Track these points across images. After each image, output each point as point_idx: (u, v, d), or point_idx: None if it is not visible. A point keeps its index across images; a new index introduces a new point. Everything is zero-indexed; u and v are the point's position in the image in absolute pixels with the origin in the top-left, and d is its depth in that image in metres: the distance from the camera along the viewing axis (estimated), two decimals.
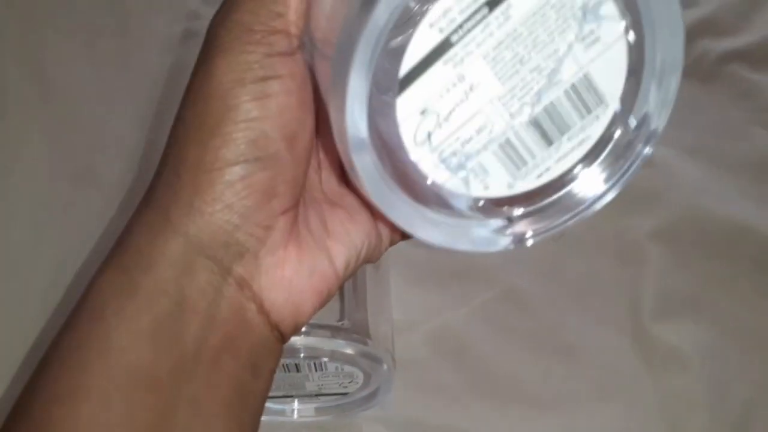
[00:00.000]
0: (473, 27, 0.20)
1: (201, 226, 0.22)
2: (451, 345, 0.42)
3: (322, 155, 0.28)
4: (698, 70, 0.52)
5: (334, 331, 0.36)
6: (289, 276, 0.24)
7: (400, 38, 0.20)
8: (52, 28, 0.51)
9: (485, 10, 0.20)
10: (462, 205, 0.23)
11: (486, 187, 0.22)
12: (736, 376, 0.41)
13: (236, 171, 0.22)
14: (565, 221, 0.23)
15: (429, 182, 0.22)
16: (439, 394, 0.41)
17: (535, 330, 0.43)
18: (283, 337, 0.25)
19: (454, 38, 0.20)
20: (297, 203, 0.25)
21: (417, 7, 0.19)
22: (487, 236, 0.23)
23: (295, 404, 0.39)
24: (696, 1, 0.54)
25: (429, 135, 0.21)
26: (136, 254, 0.23)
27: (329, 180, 0.27)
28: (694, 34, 0.53)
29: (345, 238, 0.26)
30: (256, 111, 0.22)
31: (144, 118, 0.48)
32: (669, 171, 0.48)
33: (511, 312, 0.43)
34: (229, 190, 0.22)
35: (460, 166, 0.22)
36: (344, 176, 0.25)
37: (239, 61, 0.22)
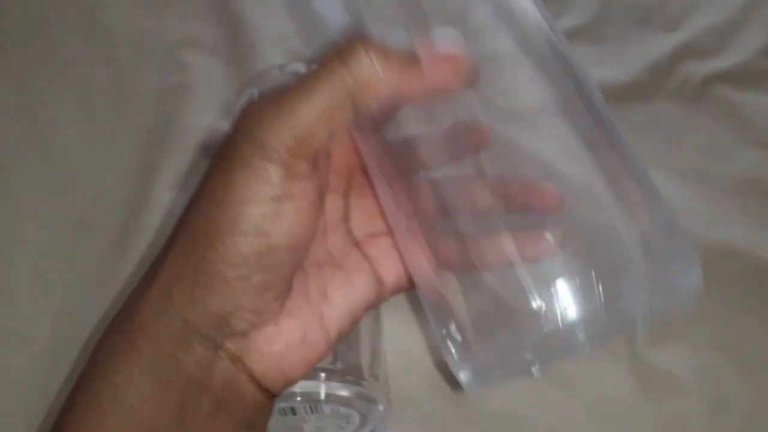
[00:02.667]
0: None
1: (198, 313, 0.24)
2: (448, 381, 0.42)
3: (329, 218, 0.28)
4: (683, 93, 0.52)
5: (328, 373, 0.36)
6: (279, 350, 0.26)
7: None
8: (47, 84, 0.52)
9: None
10: None
11: None
12: (733, 398, 0.41)
13: (237, 272, 0.24)
14: None
15: None
16: (438, 431, 0.41)
17: None
18: (274, 397, 0.27)
19: None
20: (290, 287, 0.26)
21: None
22: None
23: None
24: (678, 26, 0.54)
25: None
26: (140, 327, 0.25)
27: (334, 241, 0.28)
28: (677, 57, 0.53)
29: (342, 302, 0.27)
30: (267, 228, 0.24)
31: (138, 170, 0.48)
32: None
33: None
34: (226, 287, 0.24)
35: None
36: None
37: (258, 177, 0.23)
